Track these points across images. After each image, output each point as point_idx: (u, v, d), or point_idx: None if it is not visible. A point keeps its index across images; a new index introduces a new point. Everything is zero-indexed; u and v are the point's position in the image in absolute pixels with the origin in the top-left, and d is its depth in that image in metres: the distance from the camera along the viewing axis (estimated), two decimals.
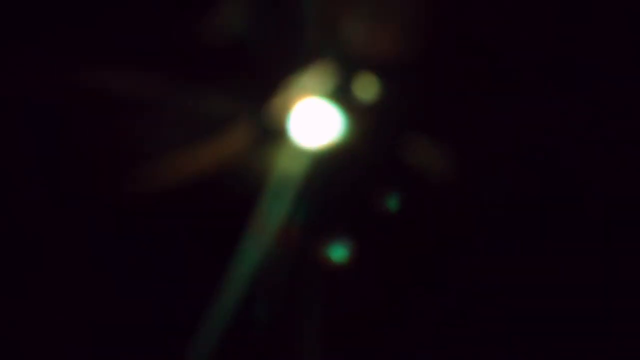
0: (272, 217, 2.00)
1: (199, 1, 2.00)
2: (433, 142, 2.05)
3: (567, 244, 2.08)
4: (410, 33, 2.01)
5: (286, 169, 2.02)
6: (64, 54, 1.99)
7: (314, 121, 2.03)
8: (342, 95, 2.02)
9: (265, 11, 2.01)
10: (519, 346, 2.07)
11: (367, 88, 2.02)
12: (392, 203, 2.10)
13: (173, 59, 2.01)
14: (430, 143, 2.06)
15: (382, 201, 2.09)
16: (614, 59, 2.05)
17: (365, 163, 2.06)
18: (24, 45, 2.01)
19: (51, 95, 2.03)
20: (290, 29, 1.99)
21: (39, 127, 2.06)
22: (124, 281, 2.06)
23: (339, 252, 2.10)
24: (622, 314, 2.05)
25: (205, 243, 2.05)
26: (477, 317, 2.08)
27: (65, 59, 1.99)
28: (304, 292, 2.06)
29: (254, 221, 2.00)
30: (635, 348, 2.03)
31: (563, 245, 2.08)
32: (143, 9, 1.99)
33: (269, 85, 2.00)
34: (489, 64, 2.05)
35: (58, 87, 2.01)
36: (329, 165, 2.04)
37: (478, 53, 2.04)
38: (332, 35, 2.00)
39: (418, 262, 2.11)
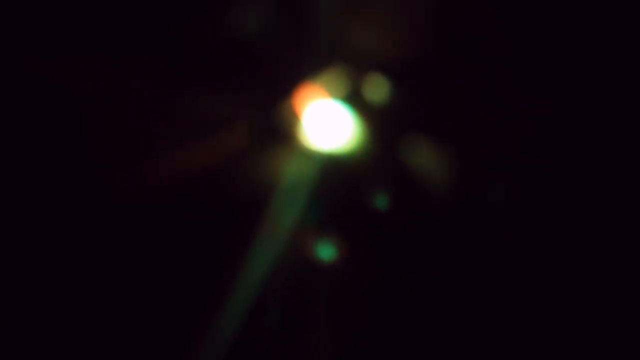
0: (283, 219, 2.00)
1: (210, 3, 2.00)
2: (437, 144, 2.06)
3: (567, 244, 2.09)
4: (416, 36, 2.01)
5: (297, 171, 2.02)
6: (67, 52, 1.98)
7: (325, 123, 2.03)
8: (353, 98, 2.02)
9: (276, 13, 2.01)
10: (518, 346, 2.08)
11: (377, 90, 2.02)
12: (394, 204, 2.10)
13: (185, 59, 2.00)
14: (434, 145, 2.06)
15: (386, 202, 2.10)
16: (614, 59, 2.06)
17: (372, 165, 2.06)
18: (25, 43, 2.00)
19: (52, 93, 2.02)
20: (302, 31, 1.99)
21: (39, 124, 2.05)
22: (127, 283, 2.05)
23: (340, 252, 2.10)
24: (622, 314, 2.06)
25: (214, 245, 2.05)
26: (475, 317, 2.09)
27: (68, 57, 1.98)
28: (313, 295, 2.06)
29: (264, 223, 1.99)
30: (635, 348, 2.04)
31: (563, 245, 2.09)
32: (154, 7, 1.99)
33: (280, 87, 1.99)
34: (492, 66, 2.06)
35: (59, 85, 2.00)
36: (340, 167, 2.04)
37: (481, 55, 2.05)
38: (343, 38, 2.00)
39: (421, 263, 2.11)
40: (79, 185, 2.06)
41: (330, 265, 2.10)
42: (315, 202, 2.04)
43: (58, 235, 2.06)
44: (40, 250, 2.05)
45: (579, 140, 2.08)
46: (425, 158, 2.07)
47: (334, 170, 2.06)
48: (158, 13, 2.01)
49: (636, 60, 2.06)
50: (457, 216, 2.10)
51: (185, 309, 2.03)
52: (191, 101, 2.02)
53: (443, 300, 2.10)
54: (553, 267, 2.09)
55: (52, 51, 1.99)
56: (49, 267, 2.05)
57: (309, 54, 2.00)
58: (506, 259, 2.09)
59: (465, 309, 2.09)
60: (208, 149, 2.03)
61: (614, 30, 2.04)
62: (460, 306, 2.09)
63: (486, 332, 2.08)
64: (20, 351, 2.01)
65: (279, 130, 2.02)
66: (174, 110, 2.03)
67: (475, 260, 2.09)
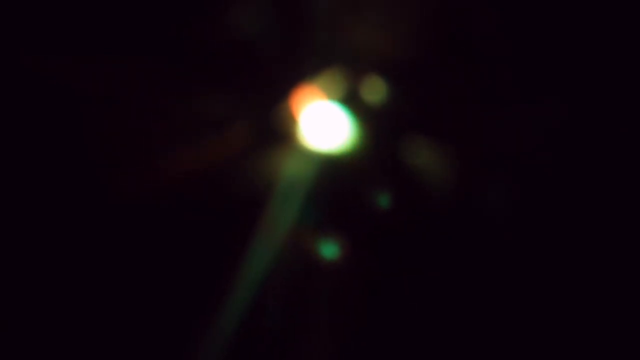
0: (282, 219, 2.00)
1: (210, 3, 2.00)
2: (437, 144, 2.06)
3: (567, 244, 2.09)
4: (416, 36, 2.01)
5: (295, 171, 2.02)
6: (67, 52, 1.98)
7: (323, 124, 2.03)
8: (352, 98, 2.02)
9: (275, 13, 2.01)
10: (518, 346, 2.08)
11: (376, 90, 2.02)
12: (396, 204, 2.10)
13: (185, 59, 2.01)
14: (434, 145, 2.06)
15: (386, 202, 2.10)
16: (614, 59, 2.06)
17: (372, 165, 2.06)
18: (25, 43, 2.00)
19: (52, 93, 2.02)
20: (301, 32, 1.99)
21: (39, 124, 2.05)
22: (127, 283, 2.05)
23: (341, 252, 2.10)
24: (622, 314, 2.06)
25: (214, 245, 2.05)
26: (475, 317, 2.09)
27: (68, 57, 1.98)
28: (312, 294, 2.06)
29: (263, 223, 1.99)
30: (635, 348, 2.04)
31: (563, 245, 2.09)
32: (154, 8, 1.99)
33: (280, 88, 1.99)
34: (492, 66, 2.06)
35: (59, 85, 2.00)
36: (337, 167, 2.04)
37: (481, 55, 2.04)
38: (341, 39, 2.00)
39: (421, 263, 2.11)
40: (79, 185, 2.06)
41: (329, 265, 2.10)
42: (314, 202, 2.04)
43: (58, 235, 2.06)
44: (40, 249, 2.05)
45: (579, 140, 2.08)
46: (425, 158, 2.07)
47: (334, 170, 2.06)
48: (158, 13, 2.01)
49: (636, 59, 2.06)
50: (457, 216, 2.10)
51: (185, 309, 2.03)
52: (191, 101, 2.02)
53: (443, 300, 2.10)
54: (553, 266, 2.09)
55: (52, 51, 1.99)
56: (49, 266, 2.05)
57: (308, 54, 2.00)
58: (506, 259, 2.09)
59: (465, 309, 2.09)
60: (208, 149, 2.03)
61: (614, 30, 2.04)
62: (460, 306, 2.09)
63: (486, 332, 2.08)
64: (21, 351, 2.01)
65: (279, 131, 2.02)
66: (174, 110, 2.03)
67: (475, 260, 2.09)
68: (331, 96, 2.03)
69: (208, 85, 2.01)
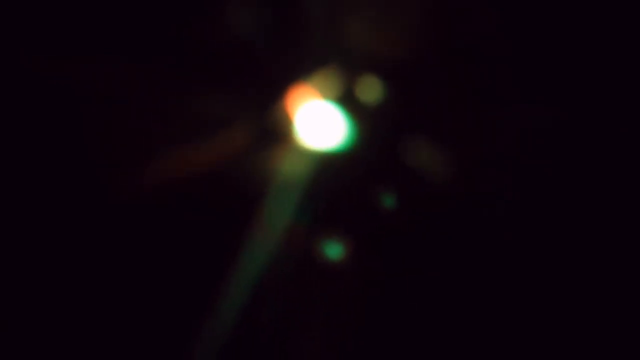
0: (276, 218, 2.00)
1: (207, 3, 2.00)
2: (436, 145, 2.06)
3: (567, 244, 2.09)
4: (412, 36, 2.01)
5: (291, 170, 2.02)
6: (67, 52, 1.99)
7: (319, 123, 2.04)
8: (352, 98, 2.02)
9: (271, 13, 2.01)
10: (519, 346, 2.08)
11: (371, 90, 2.03)
12: (393, 203, 2.10)
13: (185, 59, 2.01)
14: (433, 145, 2.06)
15: (383, 202, 2.10)
16: (615, 59, 2.06)
17: (368, 164, 2.07)
18: (25, 43, 2.00)
19: (52, 93, 2.03)
20: (297, 32, 1.99)
21: (39, 124, 2.05)
22: (126, 283, 2.05)
23: (338, 251, 2.11)
24: (622, 314, 2.06)
25: (209, 243, 2.05)
26: (475, 317, 2.09)
27: (68, 57, 1.99)
28: (310, 294, 2.07)
29: (258, 222, 2.00)
30: (635, 348, 2.04)
31: (563, 245, 2.09)
32: (154, 8, 1.99)
33: (275, 87, 2.00)
34: (492, 66, 2.06)
35: (59, 85, 2.01)
36: (333, 166, 2.04)
37: (481, 55, 2.04)
38: (338, 38, 2.00)
39: (420, 263, 2.11)
40: (79, 185, 2.06)
41: (327, 264, 2.10)
42: (311, 201, 2.04)
43: (58, 235, 2.06)
44: (40, 250, 2.06)
45: (579, 140, 2.08)
46: (424, 158, 2.07)
47: (333, 170, 2.06)
48: (158, 13, 2.01)
49: (637, 59, 2.05)
50: (456, 216, 2.10)
51: (184, 307, 2.03)
52: (191, 101, 2.02)
53: (443, 300, 2.10)
54: (553, 267, 2.09)
55: (52, 51, 2.00)
56: (49, 266, 2.05)
57: (307, 54, 2.00)
58: (506, 259, 2.09)
59: (466, 309, 2.09)
60: (207, 149, 2.03)
61: (615, 29, 2.04)
62: (461, 306, 2.09)
63: (487, 332, 2.08)
64: (20, 351, 2.02)
65: (278, 130, 2.03)
66: (174, 110, 2.03)
67: (474, 260, 2.09)
68: (332, 95, 2.03)
69: (209, 85, 2.02)
